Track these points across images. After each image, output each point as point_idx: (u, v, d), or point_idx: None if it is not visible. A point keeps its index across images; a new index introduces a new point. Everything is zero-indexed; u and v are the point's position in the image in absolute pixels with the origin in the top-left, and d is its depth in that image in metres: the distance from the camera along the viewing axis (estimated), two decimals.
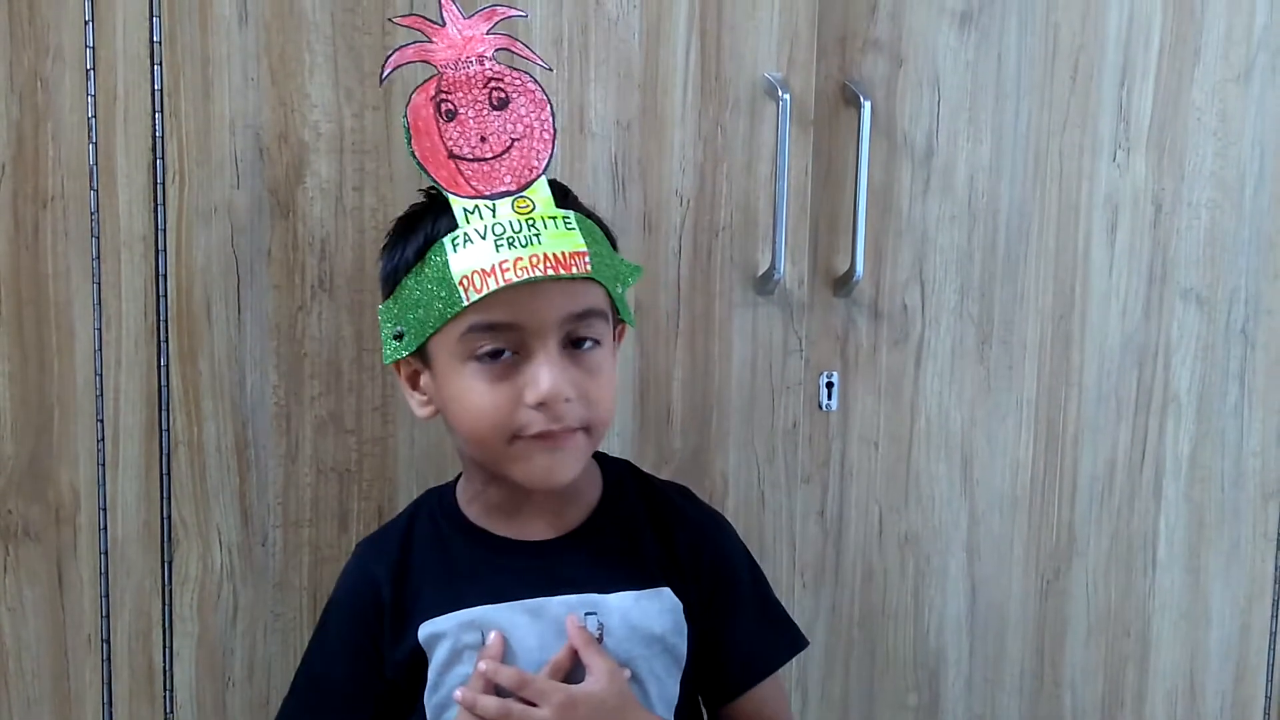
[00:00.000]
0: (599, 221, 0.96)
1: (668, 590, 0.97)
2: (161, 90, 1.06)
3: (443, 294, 0.89)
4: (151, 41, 1.05)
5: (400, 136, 1.10)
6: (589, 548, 0.97)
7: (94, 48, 1.04)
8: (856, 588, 1.27)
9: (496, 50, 0.92)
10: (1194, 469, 1.34)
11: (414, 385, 0.96)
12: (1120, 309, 1.30)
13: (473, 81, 0.91)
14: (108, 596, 1.10)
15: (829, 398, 1.24)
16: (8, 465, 1.07)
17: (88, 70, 1.04)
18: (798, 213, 1.19)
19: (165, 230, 1.07)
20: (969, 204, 1.25)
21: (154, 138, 1.06)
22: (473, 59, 0.91)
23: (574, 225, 0.90)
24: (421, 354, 0.93)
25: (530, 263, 0.87)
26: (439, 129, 0.90)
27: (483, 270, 0.88)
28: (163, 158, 1.06)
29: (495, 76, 0.91)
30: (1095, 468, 1.32)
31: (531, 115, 0.91)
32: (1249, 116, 1.30)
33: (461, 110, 0.91)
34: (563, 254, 0.88)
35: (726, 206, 1.18)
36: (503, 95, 0.91)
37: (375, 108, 1.09)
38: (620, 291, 0.95)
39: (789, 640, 1.04)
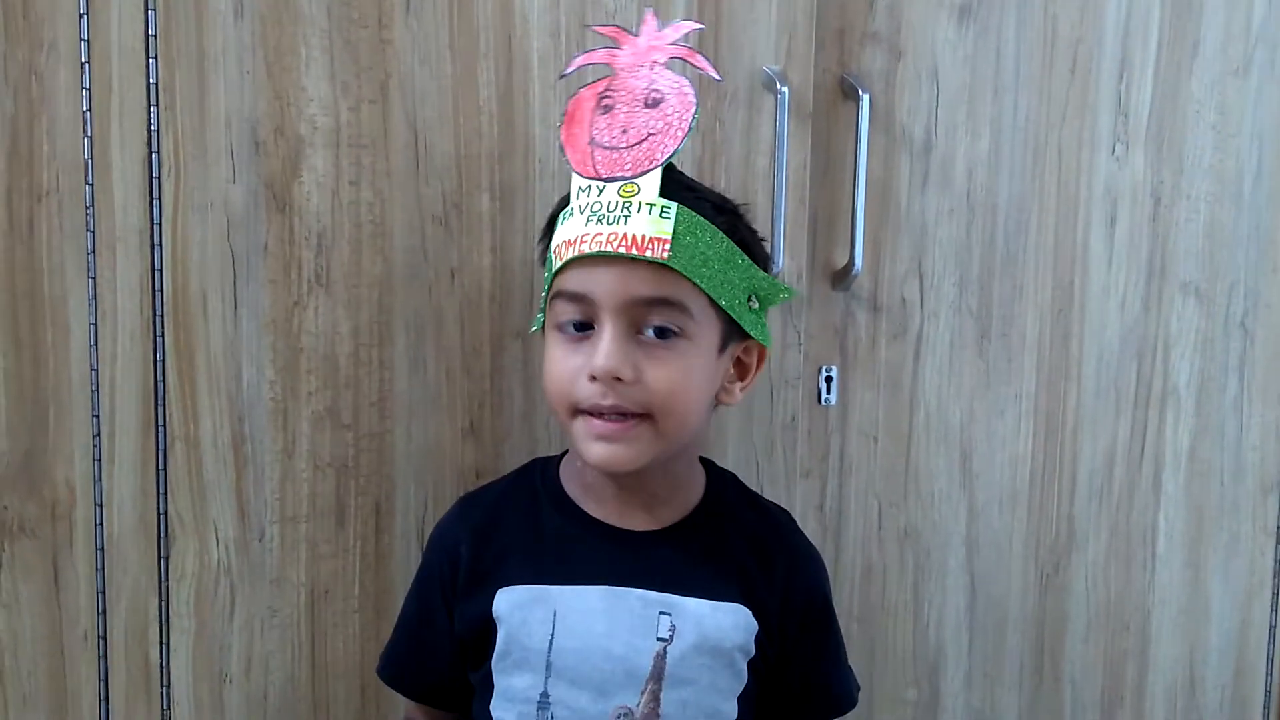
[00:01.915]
0: (738, 231, 0.96)
1: (743, 608, 0.97)
2: (157, 84, 1.05)
3: (548, 264, 0.96)
4: (147, 35, 1.05)
5: (397, 131, 1.10)
6: (677, 548, 0.98)
7: (89, 41, 1.04)
8: (856, 583, 1.27)
9: (671, 58, 0.95)
10: (1193, 463, 1.34)
11: None
12: (1119, 302, 1.29)
13: (638, 82, 0.95)
14: (104, 593, 1.09)
15: (828, 392, 1.24)
16: (2, 461, 1.06)
17: (83, 64, 1.04)
18: (796, 206, 1.18)
19: (161, 224, 1.07)
20: (968, 197, 1.24)
21: (149, 132, 1.06)
22: (646, 65, 0.95)
23: (670, 215, 0.91)
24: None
25: (608, 239, 0.90)
26: (591, 120, 0.95)
27: (569, 240, 0.93)
28: (158, 152, 1.06)
29: (657, 78, 0.95)
30: (1094, 461, 1.31)
31: (675, 114, 0.93)
32: (1248, 110, 1.30)
33: (618, 107, 0.94)
34: (642, 237, 0.90)
35: None
36: (659, 96, 0.94)
37: (372, 101, 1.09)
38: (754, 307, 0.96)
39: (850, 693, 1.07)
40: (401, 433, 1.13)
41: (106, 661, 1.10)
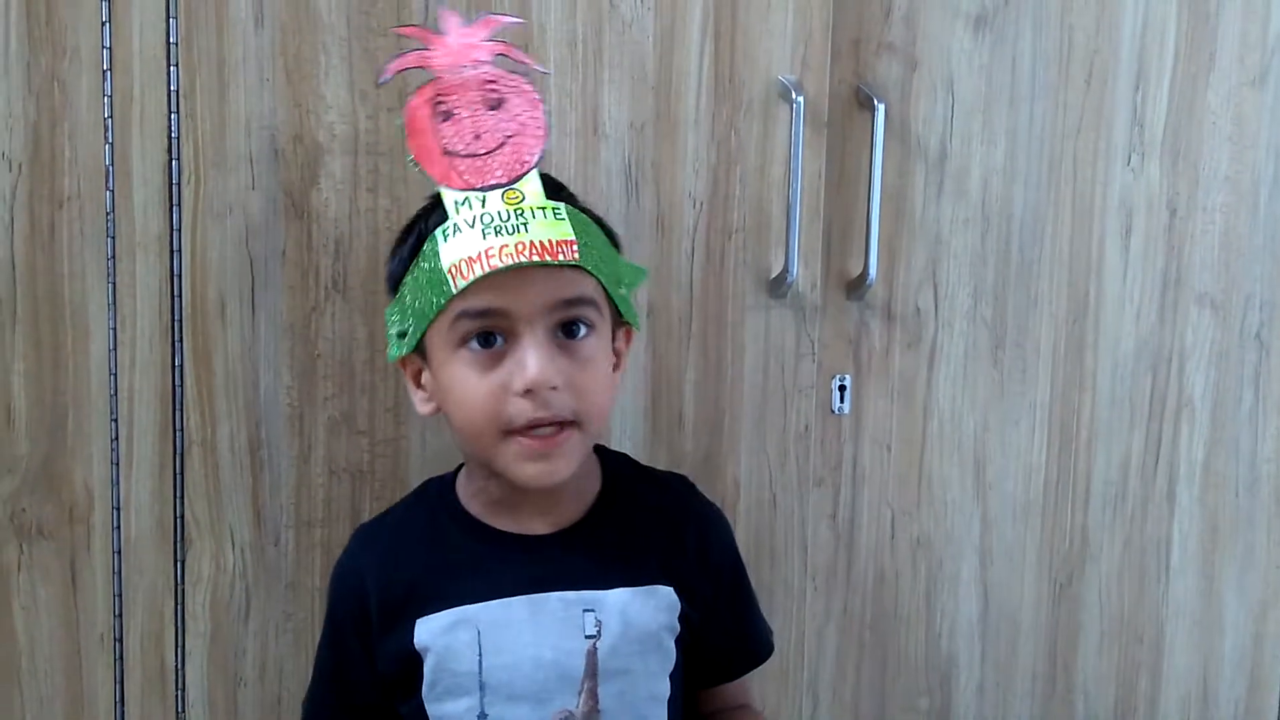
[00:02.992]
0: (599, 221, 0.97)
1: (664, 588, 0.98)
2: (178, 91, 1.06)
3: (435, 284, 0.91)
4: (168, 43, 1.06)
5: None
6: (588, 543, 0.98)
7: (110, 49, 1.05)
8: (868, 591, 1.27)
9: (495, 55, 0.94)
10: (1208, 475, 1.34)
11: (417, 383, 0.98)
12: (1134, 313, 1.29)
13: (469, 85, 0.93)
14: (120, 596, 1.10)
15: (841, 401, 1.24)
16: (22, 464, 1.07)
17: (104, 71, 1.05)
18: (811, 215, 1.19)
19: (180, 230, 1.08)
20: (982, 207, 1.24)
21: (169, 138, 1.07)
22: (469, 64, 0.93)
23: (564, 216, 0.91)
24: (421, 349, 0.95)
25: (516, 249, 0.88)
26: (434, 129, 0.92)
27: (469, 257, 0.89)
28: (178, 158, 1.07)
29: (490, 79, 0.93)
30: (1109, 473, 1.31)
31: (525, 114, 0.93)
32: (1264, 121, 1.29)
33: (458, 111, 0.93)
34: (550, 241, 0.89)
35: (739, 209, 1.18)
36: (498, 96, 0.93)
37: (390, 109, 1.10)
38: (623, 293, 0.96)
39: (769, 640, 1.08)
40: (416, 438, 1.14)
41: (122, 664, 1.11)
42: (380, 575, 0.98)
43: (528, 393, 0.90)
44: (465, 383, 0.91)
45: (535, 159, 0.92)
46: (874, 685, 1.28)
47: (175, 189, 1.07)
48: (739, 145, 1.17)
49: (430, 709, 0.96)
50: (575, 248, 0.90)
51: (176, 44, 1.06)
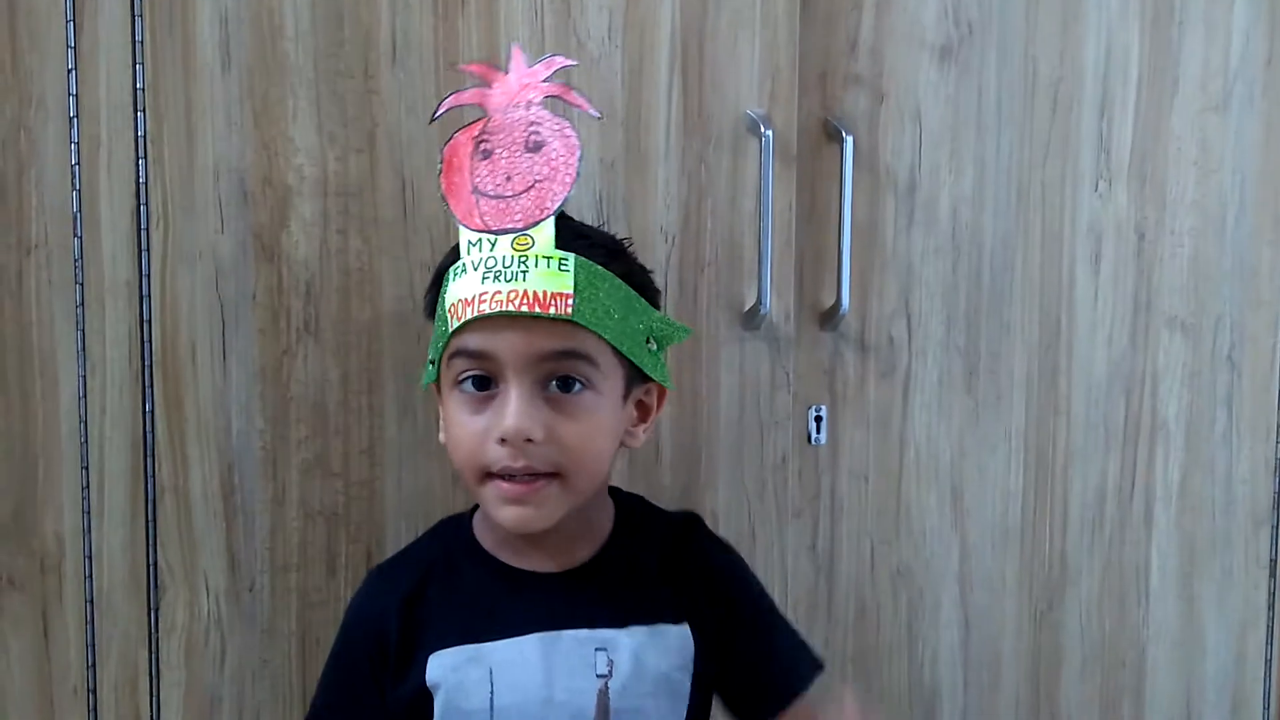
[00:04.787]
0: (632, 276, 0.95)
1: (676, 627, 0.97)
2: (145, 136, 1.06)
3: (442, 320, 0.93)
4: (135, 88, 1.05)
5: (385, 179, 1.11)
6: (600, 582, 0.97)
7: (77, 95, 1.04)
8: (849, 623, 1.27)
9: (547, 97, 0.93)
10: (1184, 496, 1.34)
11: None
12: (1106, 338, 1.30)
13: (515, 125, 0.93)
14: (94, 646, 1.09)
15: (818, 432, 1.24)
16: None
17: (71, 118, 1.05)
18: (782, 248, 1.19)
19: (149, 276, 1.07)
20: (953, 236, 1.25)
21: (137, 184, 1.06)
22: (521, 104, 0.93)
23: (569, 268, 0.90)
24: (439, 382, 0.96)
25: (508, 297, 0.89)
26: (470, 166, 0.92)
27: (465, 299, 0.90)
28: (146, 203, 1.06)
29: (536, 121, 0.92)
30: (1086, 497, 1.32)
31: (560, 159, 0.91)
32: (1228, 145, 1.31)
33: (498, 151, 0.92)
34: (544, 293, 0.89)
35: (711, 243, 1.18)
36: (539, 139, 0.92)
37: (359, 150, 1.10)
38: (652, 349, 0.95)
39: (811, 658, 1.04)
40: (392, 480, 1.13)
41: (96, 715, 1.09)
42: (400, 617, 0.97)
43: (504, 441, 0.90)
44: (457, 421, 0.93)
45: (556, 206, 0.91)
46: None
47: (144, 234, 1.07)
48: (709, 179, 1.17)
49: None
50: (570, 302, 0.89)
51: (143, 89, 1.06)
